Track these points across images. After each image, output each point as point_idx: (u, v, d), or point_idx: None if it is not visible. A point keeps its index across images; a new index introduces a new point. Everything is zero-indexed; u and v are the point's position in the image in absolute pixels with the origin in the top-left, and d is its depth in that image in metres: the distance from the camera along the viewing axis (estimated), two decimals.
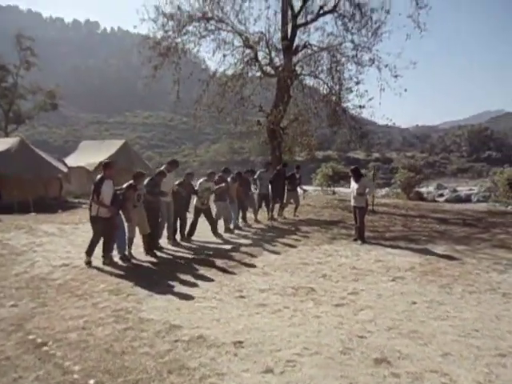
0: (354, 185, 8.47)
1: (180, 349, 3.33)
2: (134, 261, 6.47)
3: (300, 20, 15.66)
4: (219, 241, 8.13)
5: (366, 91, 13.16)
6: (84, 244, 7.87)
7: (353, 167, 8.71)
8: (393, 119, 14.03)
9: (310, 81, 16.77)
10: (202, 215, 8.24)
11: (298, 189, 11.38)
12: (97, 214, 5.88)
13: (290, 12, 15.60)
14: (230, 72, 15.86)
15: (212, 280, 5.56)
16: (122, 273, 5.77)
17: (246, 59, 15.93)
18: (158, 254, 6.97)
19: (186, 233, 7.89)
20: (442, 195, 30.01)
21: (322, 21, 16.00)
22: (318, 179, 24.43)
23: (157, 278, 5.58)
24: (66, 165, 17.17)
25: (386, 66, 12.84)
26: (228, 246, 7.69)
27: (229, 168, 8.94)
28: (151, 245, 6.76)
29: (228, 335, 3.63)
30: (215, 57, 19.08)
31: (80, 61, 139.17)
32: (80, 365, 3.05)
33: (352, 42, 14.62)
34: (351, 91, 14.30)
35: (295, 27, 15.65)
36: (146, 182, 6.81)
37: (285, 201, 10.82)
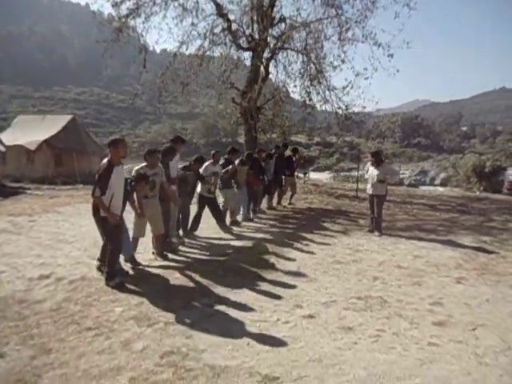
0: (373, 170, 7.62)
1: None
2: (140, 268, 5.02)
3: None
4: (229, 236, 6.85)
5: (366, 69, 12.26)
6: (54, 244, 6.24)
7: (373, 150, 7.85)
8: (378, 103, 13.36)
9: (284, 57, 15.53)
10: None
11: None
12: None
13: None
14: (198, 43, 14.19)
15: (256, 292, 4.37)
16: (133, 288, 4.33)
17: (216, 30, 14.32)
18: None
19: (188, 228, 6.48)
20: None
21: None
22: None
23: (184, 293, 4.25)
24: (2, 143, 14.39)
25: (380, 44, 12.03)
26: (242, 243, 6.45)
27: (236, 148, 7.55)
28: (164, 246, 5.33)
29: None
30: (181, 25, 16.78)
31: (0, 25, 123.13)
32: None
33: (336, 16, 13.62)
34: (335, 68, 13.38)
35: None
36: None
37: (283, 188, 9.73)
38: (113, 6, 12.21)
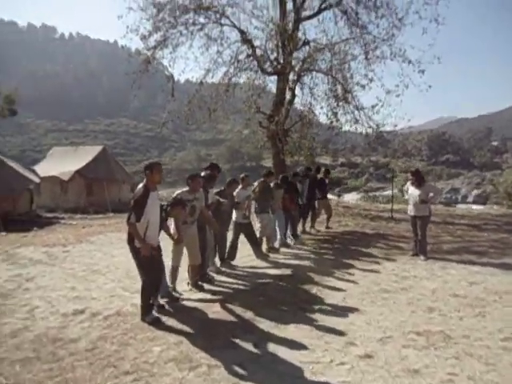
0: (414, 190, 7.20)
1: None
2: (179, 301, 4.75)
3: (303, 13, 14.41)
4: (265, 264, 6.53)
5: (397, 86, 11.95)
6: (88, 275, 6.10)
7: (414, 169, 7.44)
8: (410, 120, 12.95)
9: (309, 79, 15.40)
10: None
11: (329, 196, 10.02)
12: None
13: (292, 4, 14.35)
14: (223, 69, 14.34)
15: (302, 327, 4.00)
16: (171, 324, 4.06)
17: (241, 56, 14.47)
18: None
19: (225, 256, 6.21)
20: None
21: (324, 16, 14.79)
22: None
23: (225, 329, 3.93)
24: (37, 175, 14.83)
25: (410, 61, 11.74)
26: (280, 271, 6.11)
27: (272, 171, 7.33)
28: (201, 276, 5.08)
29: None
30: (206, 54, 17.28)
31: (36, 66, 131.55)
32: None
33: (362, 36, 13.49)
34: (363, 87, 13.12)
35: (298, 21, 14.37)
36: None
37: (316, 211, 9.36)
38: (141, 38, 12.59)
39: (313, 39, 14.61)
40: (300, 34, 14.71)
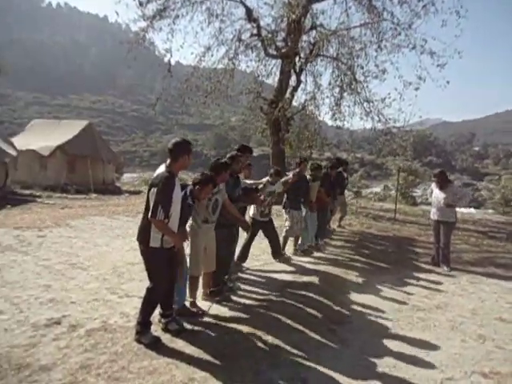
0: (438, 193, 6.48)
1: None
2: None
3: None
4: (286, 268, 5.66)
5: (420, 78, 11.10)
6: (66, 270, 5.14)
7: (438, 170, 6.68)
8: (423, 115, 12.26)
9: (316, 66, 14.47)
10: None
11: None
12: (161, 244, 3.11)
13: None
14: (223, 49, 13.30)
15: (337, 357, 3.19)
16: (176, 347, 3.16)
17: (244, 36, 13.43)
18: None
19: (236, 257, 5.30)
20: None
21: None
22: None
23: (244, 359, 3.06)
24: (15, 147, 13.50)
25: (433, 53, 10.91)
26: (302, 279, 5.24)
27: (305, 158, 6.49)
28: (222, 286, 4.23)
29: None
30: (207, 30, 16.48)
31: (22, 34, 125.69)
32: None
33: (374, 23, 12.60)
34: (375, 77, 12.30)
35: (309, 2, 13.34)
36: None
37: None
38: (139, 5, 11.39)
39: (320, 24, 13.71)
40: (308, 17, 13.77)
